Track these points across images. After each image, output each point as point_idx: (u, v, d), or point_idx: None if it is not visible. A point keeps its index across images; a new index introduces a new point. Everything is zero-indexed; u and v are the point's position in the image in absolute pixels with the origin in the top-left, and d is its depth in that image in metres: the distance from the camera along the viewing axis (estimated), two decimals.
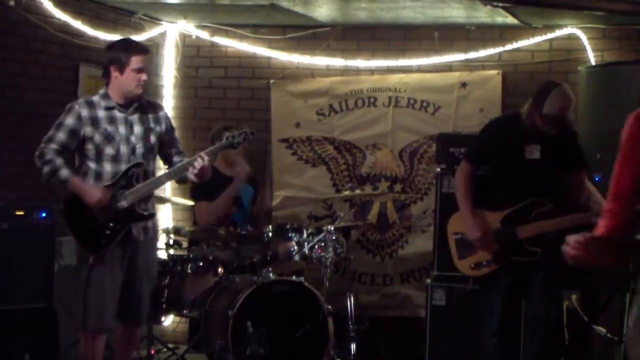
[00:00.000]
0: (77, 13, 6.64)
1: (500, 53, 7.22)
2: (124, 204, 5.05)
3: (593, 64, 6.91)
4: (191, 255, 6.28)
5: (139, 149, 5.15)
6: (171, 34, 7.73)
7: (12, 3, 6.02)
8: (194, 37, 7.73)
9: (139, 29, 7.30)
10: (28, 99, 6.26)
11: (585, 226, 5.12)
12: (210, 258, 6.26)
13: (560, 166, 5.37)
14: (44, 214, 5.55)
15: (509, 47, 7.20)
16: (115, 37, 6.86)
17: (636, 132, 3.32)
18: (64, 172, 4.99)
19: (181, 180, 5.43)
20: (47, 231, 5.58)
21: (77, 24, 6.63)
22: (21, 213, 5.48)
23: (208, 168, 5.21)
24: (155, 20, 7.47)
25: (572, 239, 3.29)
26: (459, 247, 5.56)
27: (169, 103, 7.78)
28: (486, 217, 5.39)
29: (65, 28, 6.53)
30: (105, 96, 5.14)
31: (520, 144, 5.37)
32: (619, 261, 3.59)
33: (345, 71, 7.54)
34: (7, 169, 6.07)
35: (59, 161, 5.00)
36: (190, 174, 5.15)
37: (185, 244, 6.50)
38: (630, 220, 3.36)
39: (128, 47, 5.19)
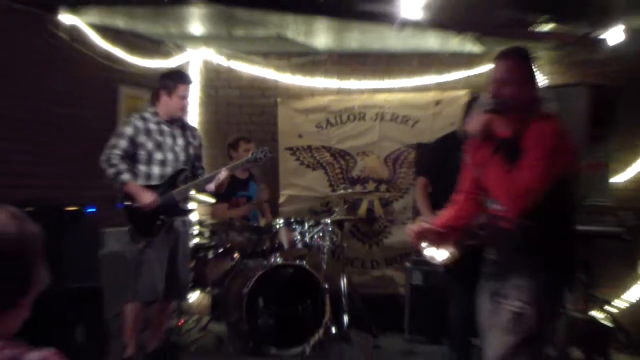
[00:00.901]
0: (117, 42, 6.68)
1: (468, 76, 7.25)
2: (172, 199, 5.17)
3: (544, 85, 6.88)
4: (212, 243, 6.31)
5: (182, 157, 5.28)
6: (195, 60, 7.74)
7: (63, 35, 6.08)
8: (214, 63, 7.75)
9: (168, 55, 7.32)
10: (77, 114, 6.27)
11: None
12: (228, 246, 6.29)
13: None
14: (91, 210, 5.58)
15: (475, 71, 7.23)
16: (149, 62, 6.89)
17: (469, 149, 3.46)
18: (126, 176, 5.09)
19: (200, 189, 5.54)
20: (94, 224, 5.63)
21: (117, 52, 6.67)
22: (73, 209, 5.52)
23: (225, 182, 5.33)
24: (182, 48, 7.50)
25: (407, 228, 3.45)
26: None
27: (195, 118, 7.78)
28: None
29: (107, 55, 6.58)
30: (155, 114, 5.27)
31: (459, 155, 5.47)
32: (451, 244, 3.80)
33: (339, 91, 7.56)
34: (60, 172, 6.11)
35: (123, 166, 5.11)
36: (212, 185, 5.28)
37: (207, 234, 6.50)
38: (474, 212, 3.51)
39: (177, 77, 5.31)
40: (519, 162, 3.20)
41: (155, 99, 5.35)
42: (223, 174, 5.28)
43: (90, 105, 6.46)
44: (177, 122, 5.34)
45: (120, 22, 6.50)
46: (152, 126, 5.24)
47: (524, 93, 3.29)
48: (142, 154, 5.19)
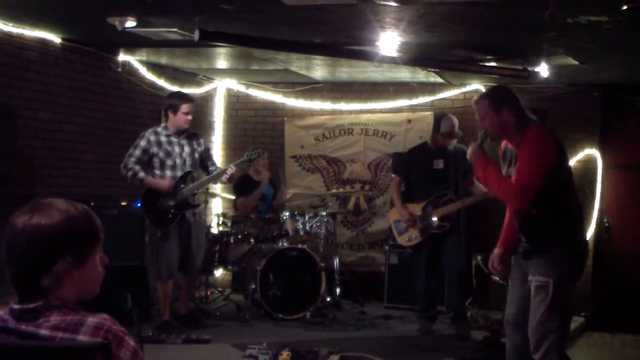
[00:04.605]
0: (160, 75, 6.71)
1: (432, 101, 7.22)
2: (181, 196, 5.11)
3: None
4: (233, 231, 6.29)
5: (188, 161, 5.19)
6: (221, 88, 7.72)
7: (119, 69, 6.14)
8: (235, 90, 7.73)
9: (200, 85, 7.32)
10: (129, 130, 6.26)
11: (474, 205, 5.25)
12: (245, 233, 6.27)
13: (456, 172, 5.44)
14: (139, 204, 5.51)
15: (438, 96, 7.20)
16: (185, 90, 6.87)
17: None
18: (141, 174, 5.06)
19: (215, 182, 5.51)
20: (140, 215, 5.56)
21: (161, 82, 6.69)
22: (124, 203, 5.54)
23: (236, 175, 5.31)
24: (210, 79, 7.51)
25: (493, 262, 3.36)
26: (396, 228, 5.62)
27: (219, 133, 7.74)
28: (411, 208, 5.46)
29: (153, 85, 6.60)
30: (166, 128, 5.20)
31: (430, 160, 5.42)
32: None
33: (333, 112, 7.51)
34: (117, 175, 6.07)
35: (137, 167, 5.06)
36: (224, 179, 5.25)
37: (229, 224, 6.49)
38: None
39: (180, 97, 5.24)
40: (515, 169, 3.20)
41: (165, 117, 5.28)
42: (229, 170, 5.21)
43: (139, 122, 6.46)
44: (184, 134, 5.20)
45: (163, 59, 6.54)
46: (163, 138, 5.15)
47: (497, 122, 3.24)
48: (156, 161, 5.13)
